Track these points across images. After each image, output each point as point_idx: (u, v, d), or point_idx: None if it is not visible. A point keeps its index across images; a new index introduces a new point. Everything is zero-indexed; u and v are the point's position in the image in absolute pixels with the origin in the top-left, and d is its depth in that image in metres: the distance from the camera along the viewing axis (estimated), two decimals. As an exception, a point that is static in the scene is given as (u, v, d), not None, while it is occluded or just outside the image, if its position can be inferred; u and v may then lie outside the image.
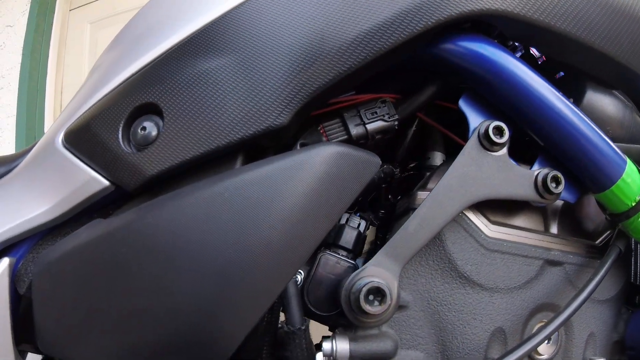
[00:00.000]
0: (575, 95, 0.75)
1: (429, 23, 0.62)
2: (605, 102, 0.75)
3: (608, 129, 0.74)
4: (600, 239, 0.77)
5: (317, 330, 0.82)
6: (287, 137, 0.65)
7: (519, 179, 0.67)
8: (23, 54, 1.91)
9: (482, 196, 0.65)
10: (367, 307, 0.60)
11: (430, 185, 0.69)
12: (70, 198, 0.69)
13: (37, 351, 0.80)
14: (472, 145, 0.66)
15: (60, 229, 0.75)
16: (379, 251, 0.64)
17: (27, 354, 1.01)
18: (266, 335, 0.72)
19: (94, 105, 0.71)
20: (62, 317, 0.63)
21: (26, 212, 0.73)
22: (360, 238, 0.72)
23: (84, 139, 0.68)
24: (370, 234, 0.97)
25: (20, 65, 1.88)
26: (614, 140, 0.71)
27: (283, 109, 0.61)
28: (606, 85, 0.77)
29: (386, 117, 0.70)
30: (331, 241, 0.71)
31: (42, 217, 0.72)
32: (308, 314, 0.71)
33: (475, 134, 0.66)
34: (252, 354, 0.73)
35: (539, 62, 0.84)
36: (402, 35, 0.62)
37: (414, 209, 0.65)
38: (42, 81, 1.97)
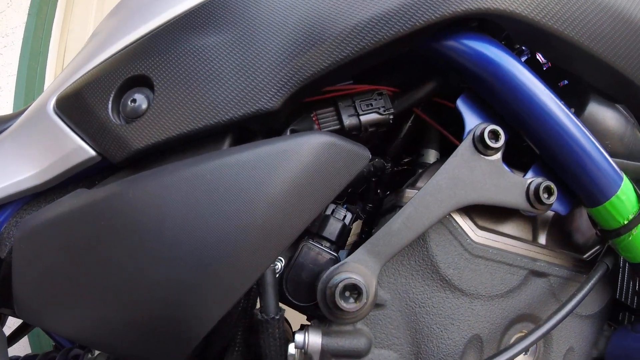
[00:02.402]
0: (577, 105, 0.73)
1: (432, 18, 0.60)
2: (607, 116, 0.73)
3: (607, 143, 0.73)
4: (588, 254, 0.76)
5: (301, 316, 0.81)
6: (278, 122, 0.64)
7: (511, 186, 0.66)
8: (29, 14, 1.88)
9: (471, 200, 0.64)
10: (341, 304, 0.59)
11: (419, 184, 0.68)
12: (57, 165, 0.68)
13: (16, 316, 0.80)
14: (465, 147, 0.64)
15: (45, 195, 0.74)
16: (360, 247, 0.62)
17: (7, 317, 1.01)
18: (241, 321, 0.71)
19: (88, 72, 0.69)
20: (40, 284, 0.62)
21: (13, 176, 0.72)
22: (345, 230, 0.71)
23: (75, 107, 0.67)
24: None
25: (25, 24, 1.86)
26: (612, 156, 0.69)
27: (275, 92, 0.60)
28: (610, 99, 0.75)
29: (381, 110, 0.69)
30: (315, 231, 0.70)
31: (28, 181, 0.71)
32: (286, 303, 0.70)
33: (470, 136, 0.65)
34: (226, 338, 0.72)
35: (544, 68, 0.82)
36: (403, 28, 0.60)
37: (401, 207, 0.64)
38: (46, 43, 1.94)
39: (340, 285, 0.59)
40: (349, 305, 0.60)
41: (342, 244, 0.72)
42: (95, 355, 0.82)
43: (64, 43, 2.03)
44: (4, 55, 1.82)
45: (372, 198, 0.81)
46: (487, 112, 0.67)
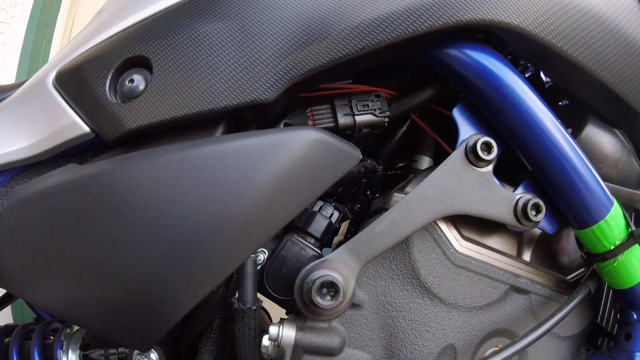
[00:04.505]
0: (575, 126, 0.73)
1: (435, 25, 0.60)
2: (604, 139, 0.73)
3: (601, 167, 0.72)
4: (572, 275, 0.76)
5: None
6: (272, 114, 0.64)
7: (499, 200, 0.65)
8: (39, -15, 1.89)
9: (457, 210, 0.64)
10: (317, 300, 0.59)
11: (408, 189, 0.68)
12: (51, 138, 0.68)
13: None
14: (457, 156, 0.64)
15: (37, 167, 0.74)
16: (342, 246, 0.63)
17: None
18: (219, 309, 0.71)
19: (90, 49, 0.69)
20: (24, 255, 0.63)
21: (6, 146, 0.73)
22: (331, 228, 0.71)
23: (73, 82, 0.67)
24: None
25: (35, -5, 1.86)
26: (605, 180, 0.69)
27: (271, 84, 0.60)
28: (609, 123, 0.75)
29: (377, 112, 0.69)
30: (301, 226, 0.70)
31: (21, 152, 0.71)
32: (266, 295, 0.70)
33: (463, 146, 0.65)
34: (203, 324, 0.72)
35: (546, 86, 0.82)
36: (405, 32, 0.60)
37: (387, 210, 0.64)
38: (54, 16, 1.93)
39: (318, 281, 0.60)
40: (324, 302, 0.60)
41: (327, 242, 0.72)
42: (74, 330, 0.82)
43: (72, 17, 2.02)
44: (11, 25, 1.81)
45: (361, 199, 0.81)
46: (483, 123, 0.67)
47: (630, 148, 0.76)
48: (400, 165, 0.85)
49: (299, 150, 0.59)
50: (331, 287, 0.60)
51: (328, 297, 0.60)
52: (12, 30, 1.81)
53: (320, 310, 0.60)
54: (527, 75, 0.86)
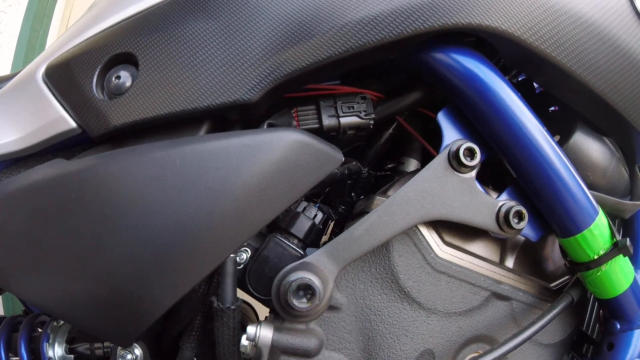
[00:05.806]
0: (563, 133, 0.73)
1: (421, 28, 0.60)
2: (593, 148, 0.72)
3: (589, 175, 0.72)
4: (555, 283, 0.75)
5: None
6: (256, 115, 0.64)
7: (481, 207, 0.65)
8: (38, -25, 1.89)
9: (438, 215, 0.63)
10: (294, 302, 0.60)
11: (390, 192, 0.68)
12: (39, 132, 0.69)
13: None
14: (439, 161, 0.64)
15: (26, 161, 0.74)
16: (321, 248, 0.63)
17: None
18: (200, 307, 0.72)
19: (79, 44, 0.70)
20: (10, 249, 0.63)
21: (-4, 138, 0.73)
22: (314, 229, 0.71)
23: (62, 77, 0.67)
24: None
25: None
26: (592, 188, 0.68)
27: (254, 85, 0.60)
28: (598, 131, 0.74)
29: (362, 114, 0.68)
30: (284, 226, 0.70)
31: (10, 145, 0.72)
32: (249, 294, 0.70)
33: (446, 151, 0.64)
34: (184, 321, 0.73)
35: (537, 92, 0.81)
36: (390, 34, 0.60)
37: (368, 213, 0.64)
38: (52, 6, 1.95)
39: (294, 283, 0.60)
40: (300, 304, 0.60)
41: (310, 242, 0.72)
42: (61, 323, 0.83)
43: (70, 7, 2.02)
44: (8, 14, 1.81)
45: (346, 200, 0.81)
46: (468, 129, 0.67)
47: (619, 156, 0.75)
48: (388, 167, 0.85)
49: (279, 152, 0.59)
50: (307, 290, 0.60)
51: (304, 300, 0.60)
52: (9, 19, 1.81)
53: (297, 313, 0.60)
54: (519, 80, 0.85)
